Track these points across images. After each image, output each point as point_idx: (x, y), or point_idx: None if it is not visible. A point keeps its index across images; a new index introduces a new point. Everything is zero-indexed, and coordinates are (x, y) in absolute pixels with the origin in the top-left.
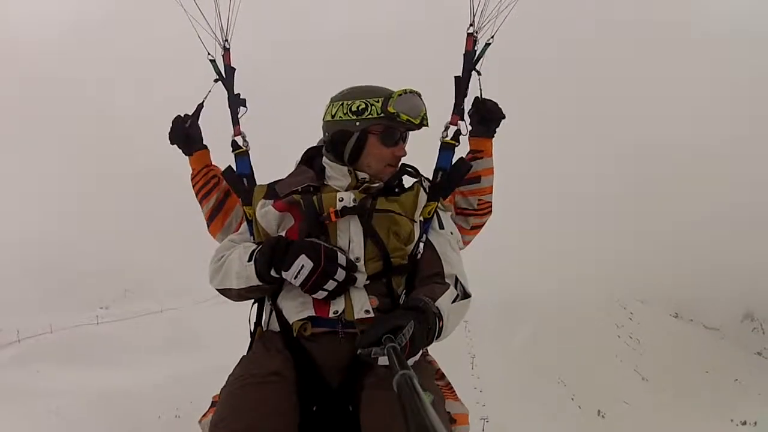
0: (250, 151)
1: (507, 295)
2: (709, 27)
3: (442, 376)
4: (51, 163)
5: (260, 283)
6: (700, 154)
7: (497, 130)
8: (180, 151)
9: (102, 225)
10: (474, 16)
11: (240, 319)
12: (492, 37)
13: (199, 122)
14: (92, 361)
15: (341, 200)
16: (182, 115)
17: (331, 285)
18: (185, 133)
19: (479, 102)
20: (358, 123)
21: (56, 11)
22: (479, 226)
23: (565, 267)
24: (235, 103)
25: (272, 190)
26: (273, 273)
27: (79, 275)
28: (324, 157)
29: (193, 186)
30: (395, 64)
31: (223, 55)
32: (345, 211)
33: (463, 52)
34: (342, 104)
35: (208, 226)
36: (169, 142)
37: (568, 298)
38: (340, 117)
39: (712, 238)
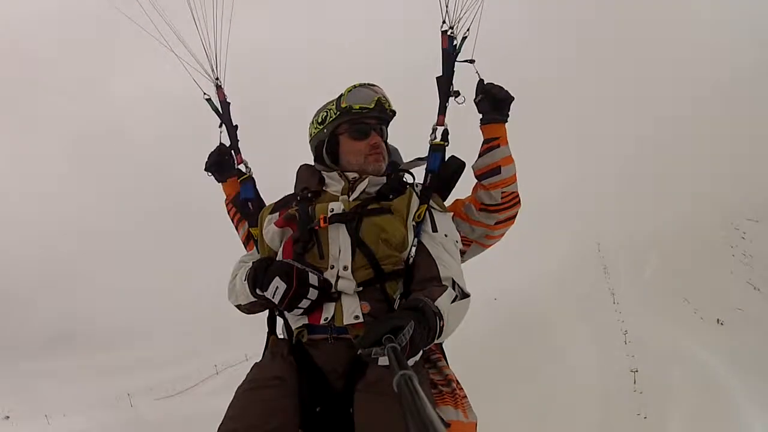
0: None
1: (633, 231)
2: None
3: (449, 383)
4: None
5: (256, 299)
6: None
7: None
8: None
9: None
10: (446, 13)
11: None
12: (468, 29)
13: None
14: None
15: (332, 210)
16: (219, 145)
17: (305, 303)
18: (218, 162)
19: (486, 86)
20: (325, 130)
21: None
22: (508, 220)
23: (680, 192)
24: (234, 134)
25: (278, 205)
26: (258, 292)
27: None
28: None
29: (228, 211)
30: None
31: (216, 93)
32: (333, 219)
33: (441, 50)
34: (312, 123)
35: (245, 247)
36: (204, 170)
37: (682, 226)
38: (312, 132)
39: None
